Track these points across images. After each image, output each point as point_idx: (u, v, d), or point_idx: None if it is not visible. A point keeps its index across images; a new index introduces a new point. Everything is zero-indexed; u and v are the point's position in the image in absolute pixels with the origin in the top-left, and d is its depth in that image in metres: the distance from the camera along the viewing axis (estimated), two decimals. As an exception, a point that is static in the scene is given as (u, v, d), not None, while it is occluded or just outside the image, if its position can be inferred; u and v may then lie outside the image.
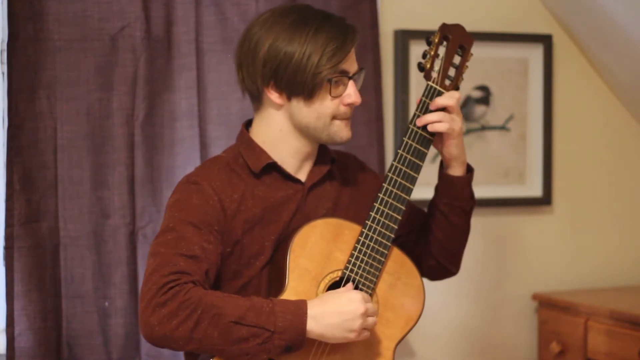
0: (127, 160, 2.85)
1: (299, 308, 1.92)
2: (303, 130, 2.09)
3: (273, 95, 2.06)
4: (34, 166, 2.76)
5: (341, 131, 2.09)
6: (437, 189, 2.21)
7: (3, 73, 2.77)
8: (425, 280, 2.16)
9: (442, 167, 2.19)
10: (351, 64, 2.07)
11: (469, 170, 2.19)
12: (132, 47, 2.84)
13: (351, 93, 2.07)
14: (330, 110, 2.06)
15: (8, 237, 2.72)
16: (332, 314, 1.93)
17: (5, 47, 2.74)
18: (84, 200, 2.81)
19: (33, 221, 2.75)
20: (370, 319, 1.97)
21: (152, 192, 2.87)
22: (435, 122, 2.08)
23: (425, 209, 2.28)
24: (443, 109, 2.09)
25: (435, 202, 2.21)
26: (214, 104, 2.93)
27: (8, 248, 2.72)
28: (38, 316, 2.74)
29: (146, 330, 1.90)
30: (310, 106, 2.05)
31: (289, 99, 2.05)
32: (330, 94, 2.04)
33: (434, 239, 2.22)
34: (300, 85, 2.02)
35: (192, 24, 2.90)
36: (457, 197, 2.17)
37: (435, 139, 2.13)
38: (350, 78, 2.07)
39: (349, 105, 2.08)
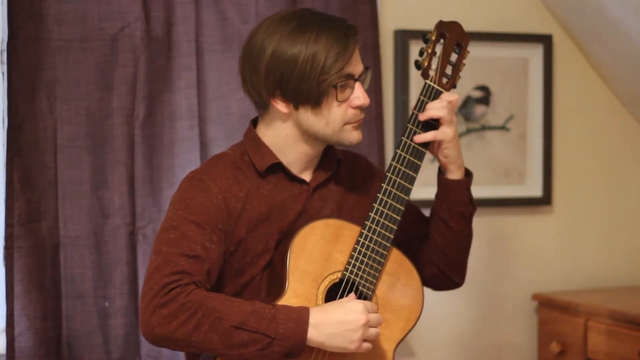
0: (127, 160, 2.84)
1: (301, 316, 1.91)
2: (311, 136, 2.06)
3: (280, 105, 2.03)
4: (34, 166, 2.76)
5: (350, 135, 2.06)
6: (436, 195, 2.19)
7: (3, 73, 2.77)
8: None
9: (440, 172, 2.17)
10: (356, 66, 2.04)
11: (467, 175, 2.17)
12: (132, 47, 2.84)
13: (359, 95, 2.03)
14: (339, 116, 2.03)
15: (8, 237, 2.72)
16: (334, 323, 1.92)
17: (5, 47, 2.73)
18: (84, 200, 2.81)
19: (33, 221, 2.75)
20: (372, 330, 1.95)
21: (152, 192, 2.87)
22: (430, 138, 2.07)
23: (427, 212, 2.27)
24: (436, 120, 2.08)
25: (436, 208, 2.18)
26: (214, 104, 2.93)
27: (8, 248, 2.72)
28: (38, 316, 2.74)
29: (146, 330, 1.90)
30: (318, 114, 2.02)
31: (296, 108, 2.02)
32: (337, 100, 2.01)
33: (435, 246, 2.19)
34: (306, 93, 1.99)
35: (192, 24, 2.90)
36: (456, 201, 2.14)
37: (431, 144, 2.11)
38: (356, 80, 2.04)
39: (357, 107, 2.05)
